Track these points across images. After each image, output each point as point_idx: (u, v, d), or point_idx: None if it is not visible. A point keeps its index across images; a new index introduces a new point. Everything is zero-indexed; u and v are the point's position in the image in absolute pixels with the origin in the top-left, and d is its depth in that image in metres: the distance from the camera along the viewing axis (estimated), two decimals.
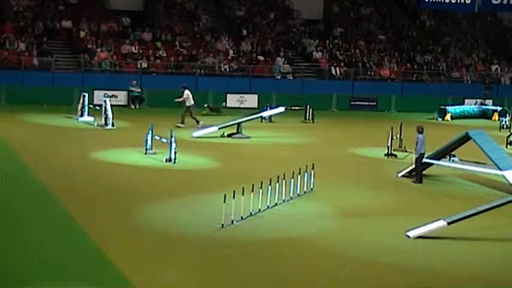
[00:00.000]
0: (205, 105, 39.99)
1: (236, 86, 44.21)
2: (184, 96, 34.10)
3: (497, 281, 15.18)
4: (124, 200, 20.04)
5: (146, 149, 26.45)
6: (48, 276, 14.17)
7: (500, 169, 23.24)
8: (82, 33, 45.25)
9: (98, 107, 34.74)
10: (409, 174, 24.50)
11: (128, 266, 14.68)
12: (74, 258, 15.23)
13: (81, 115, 34.73)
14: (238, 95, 43.43)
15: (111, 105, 33.44)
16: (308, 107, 38.83)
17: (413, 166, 24.21)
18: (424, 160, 24.06)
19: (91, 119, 34.33)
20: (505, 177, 23.25)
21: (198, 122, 33.54)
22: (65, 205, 19.09)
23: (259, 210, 18.95)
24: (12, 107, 37.91)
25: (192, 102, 34.18)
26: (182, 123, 33.26)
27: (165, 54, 45.70)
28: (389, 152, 28.50)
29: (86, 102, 34.82)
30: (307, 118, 38.79)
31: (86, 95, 35.00)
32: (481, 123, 39.69)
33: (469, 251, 16.98)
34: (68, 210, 18.60)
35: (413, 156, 24.42)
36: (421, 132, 23.95)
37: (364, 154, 29.11)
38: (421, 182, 23.80)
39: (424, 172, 24.48)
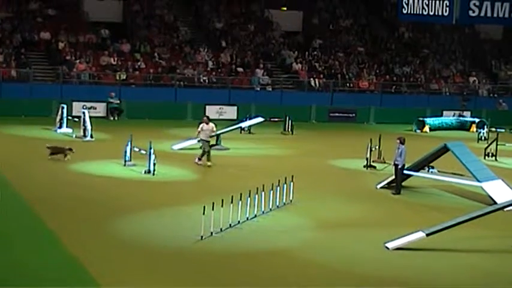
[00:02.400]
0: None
1: (215, 97, 44.26)
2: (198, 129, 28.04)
3: None
4: (103, 211, 19.94)
5: (125, 161, 26.36)
6: None
7: (479, 180, 23.37)
8: (61, 45, 45.12)
9: (76, 119, 34.61)
10: (388, 186, 24.55)
11: (106, 277, 14.60)
12: (52, 270, 15.14)
13: (60, 127, 34.61)
14: (218, 107, 43.42)
15: (90, 117, 33.33)
16: (287, 118, 38.89)
17: (393, 177, 24.24)
18: (404, 172, 24.13)
19: (70, 130, 34.22)
20: (483, 189, 23.37)
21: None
22: (43, 217, 18.96)
23: (239, 222, 18.92)
24: None
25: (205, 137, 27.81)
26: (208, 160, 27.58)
27: (144, 66, 45.66)
28: (369, 164, 28.57)
29: (65, 114, 34.70)
30: (287, 129, 38.84)
31: (65, 106, 34.89)
32: (459, 135, 39.89)
33: (447, 262, 17.02)
34: (46, 222, 18.48)
35: (393, 167, 24.42)
36: (403, 143, 24.03)
37: (343, 166, 29.16)
38: (399, 193, 23.85)
39: (403, 183, 24.55)
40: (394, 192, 23.88)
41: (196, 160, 27.29)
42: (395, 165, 24.03)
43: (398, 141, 24.11)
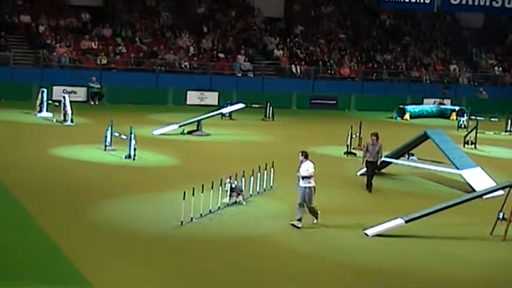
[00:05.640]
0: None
1: (196, 83, 44.20)
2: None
3: (452, 280, 15.33)
4: (83, 196, 19.90)
5: (105, 146, 26.31)
6: (5, 274, 14.00)
7: (458, 168, 23.52)
8: (41, 28, 44.86)
9: (57, 103, 34.48)
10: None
11: (86, 263, 14.59)
12: (31, 256, 15.10)
13: (40, 111, 34.48)
14: (199, 92, 43.39)
15: (71, 101, 33.20)
16: (268, 104, 38.92)
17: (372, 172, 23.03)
18: (383, 159, 24.02)
19: (50, 114, 34.08)
20: (462, 176, 23.52)
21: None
22: (22, 202, 18.91)
23: (219, 207, 18.96)
24: None
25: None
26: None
27: (125, 50, 45.50)
28: (349, 151, 28.67)
29: (45, 98, 34.56)
30: (268, 116, 38.88)
31: (45, 90, 34.73)
32: (439, 123, 40.11)
33: (426, 249, 17.14)
34: (25, 207, 18.43)
35: (365, 163, 22.94)
36: (378, 139, 22.78)
37: (324, 152, 29.20)
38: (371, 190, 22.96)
39: (382, 171, 24.65)
40: (370, 190, 22.70)
41: (314, 221, 18.56)
42: (372, 162, 22.58)
43: (374, 137, 22.58)
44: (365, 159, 22.74)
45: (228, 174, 19.72)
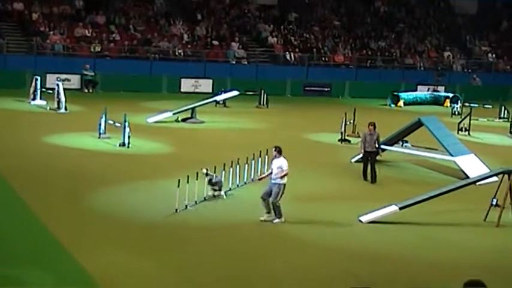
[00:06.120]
0: None
1: (191, 70, 44.13)
2: None
3: (446, 266, 15.38)
4: (77, 184, 19.89)
5: (99, 133, 26.29)
6: (0, 262, 14.02)
7: (452, 155, 23.56)
8: (34, 16, 44.73)
9: (50, 91, 34.42)
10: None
11: (81, 250, 14.59)
12: (26, 243, 15.11)
13: (34, 99, 34.42)
14: (193, 80, 43.34)
15: (64, 89, 33.14)
16: (262, 92, 38.90)
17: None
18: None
19: (43, 102, 34.03)
20: (455, 163, 23.57)
21: None
22: (17, 189, 18.90)
23: (213, 195, 18.96)
24: None
25: None
26: None
27: (119, 38, 45.38)
28: (343, 138, 28.69)
29: (38, 86, 34.49)
30: (262, 103, 38.86)
31: (39, 78, 34.66)
32: (433, 110, 40.11)
33: (420, 235, 17.19)
34: (20, 195, 18.42)
35: (362, 154, 22.64)
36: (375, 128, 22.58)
37: (318, 139, 29.27)
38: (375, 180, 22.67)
39: (376, 158, 24.63)
40: (374, 180, 22.29)
41: (265, 217, 17.53)
42: (371, 152, 22.28)
43: (372, 127, 22.29)
44: (363, 150, 22.42)
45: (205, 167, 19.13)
